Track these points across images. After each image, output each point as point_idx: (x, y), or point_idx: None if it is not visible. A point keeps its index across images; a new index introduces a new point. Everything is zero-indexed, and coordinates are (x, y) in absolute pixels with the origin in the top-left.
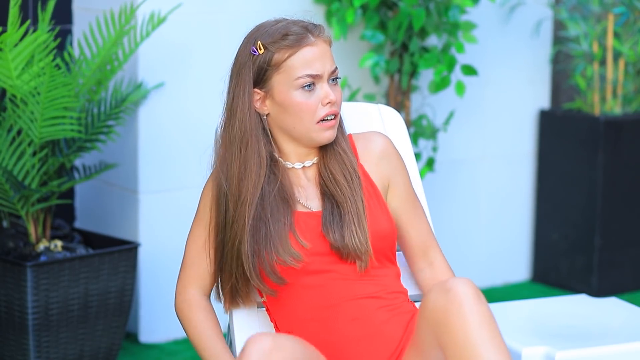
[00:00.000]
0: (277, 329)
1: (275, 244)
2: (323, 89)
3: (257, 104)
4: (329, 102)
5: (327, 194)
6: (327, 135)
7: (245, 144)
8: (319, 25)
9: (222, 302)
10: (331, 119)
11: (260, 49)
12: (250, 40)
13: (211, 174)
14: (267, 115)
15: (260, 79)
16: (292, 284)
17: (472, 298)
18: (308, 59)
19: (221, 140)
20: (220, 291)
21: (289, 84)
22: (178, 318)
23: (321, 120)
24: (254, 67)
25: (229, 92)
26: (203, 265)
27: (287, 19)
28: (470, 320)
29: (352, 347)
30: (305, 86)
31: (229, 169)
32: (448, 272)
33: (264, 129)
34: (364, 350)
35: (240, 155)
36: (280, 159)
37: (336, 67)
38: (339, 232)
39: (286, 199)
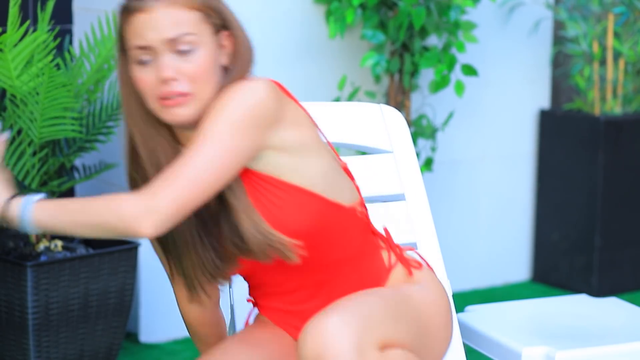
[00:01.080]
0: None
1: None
2: (157, 62)
3: None
4: (163, 80)
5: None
6: (169, 116)
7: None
8: None
9: None
10: (174, 98)
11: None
12: None
13: None
14: None
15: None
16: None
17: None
18: (138, 29)
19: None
20: None
21: (130, 57)
22: None
23: (161, 99)
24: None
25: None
26: None
27: None
28: None
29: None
30: (139, 60)
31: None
32: None
33: None
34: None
35: (143, 139)
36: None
37: (184, 34)
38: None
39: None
